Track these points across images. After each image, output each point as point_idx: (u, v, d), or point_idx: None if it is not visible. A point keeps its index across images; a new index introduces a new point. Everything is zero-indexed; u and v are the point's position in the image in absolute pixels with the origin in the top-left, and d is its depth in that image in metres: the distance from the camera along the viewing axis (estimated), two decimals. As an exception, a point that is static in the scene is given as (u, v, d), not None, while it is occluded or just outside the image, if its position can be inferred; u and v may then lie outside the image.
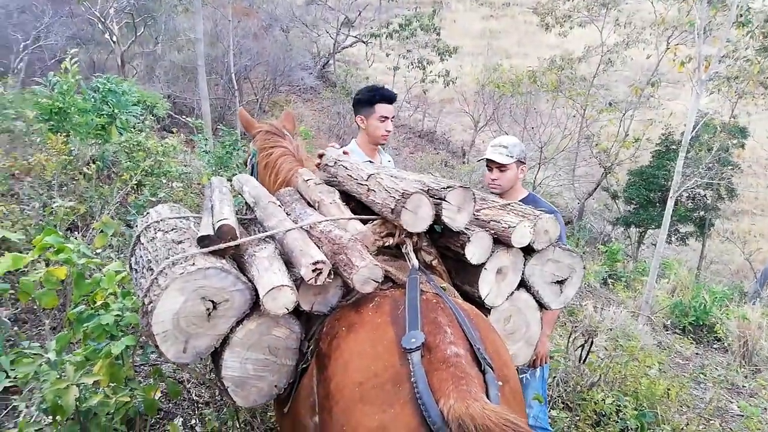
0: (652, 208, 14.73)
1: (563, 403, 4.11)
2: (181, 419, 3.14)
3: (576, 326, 5.00)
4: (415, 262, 1.80)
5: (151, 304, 1.40)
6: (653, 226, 14.69)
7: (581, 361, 4.04)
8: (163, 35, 18.64)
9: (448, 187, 1.82)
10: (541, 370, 3.02)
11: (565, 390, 4.19)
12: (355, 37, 21.85)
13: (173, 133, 9.19)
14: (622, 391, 4.10)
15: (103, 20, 15.77)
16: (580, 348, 4.06)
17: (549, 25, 16.70)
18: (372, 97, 3.21)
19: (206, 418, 3.06)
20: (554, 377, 4.16)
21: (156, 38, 18.86)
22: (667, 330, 8.54)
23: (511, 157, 2.87)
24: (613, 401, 3.86)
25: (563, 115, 16.35)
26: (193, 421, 3.17)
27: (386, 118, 3.18)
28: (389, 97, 3.20)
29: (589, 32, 16.63)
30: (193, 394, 3.39)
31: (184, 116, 14.62)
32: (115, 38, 16.19)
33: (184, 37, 18.70)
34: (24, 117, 6.82)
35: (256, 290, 1.52)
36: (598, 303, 8.31)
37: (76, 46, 7.40)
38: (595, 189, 16.52)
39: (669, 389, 4.26)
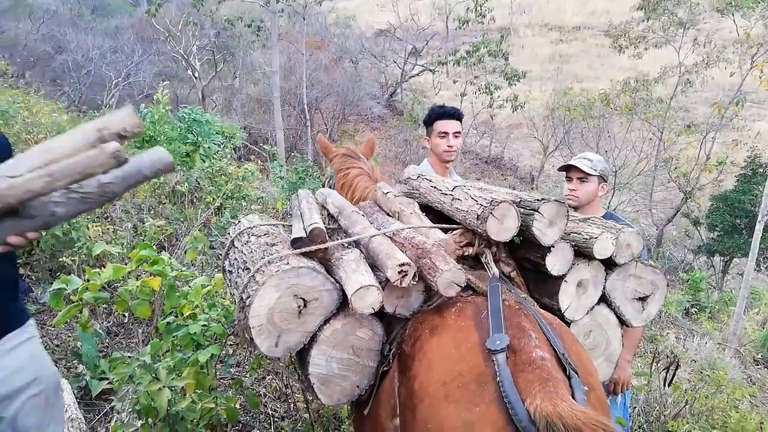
0: (737, 235, 13.84)
1: (644, 433, 3.91)
2: (257, 432, 3.23)
3: (656, 355, 4.76)
4: (496, 271, 1.81)
5: (249, 299, 1.51)
6: (739, 254, 13.80)
7: (667, 385, 3.83)
8: (240, 70, 19.71)
9: (542, 200, 1.84)
10: (622, 397, 2.91)
11: (647, 420, 3.98)
12: (422, 66, 22.21)
13: (251, 160, 9.64)
14: (709, 423, 3.85)
15: (186, 57, 16.91)
16: (665, 371, 3.85)
17: (622, 47, 16.30)
18: (430, 115, 3.32)
19: (283, 431, 3.13)
20: (635, 407, 3.97)
21: (234, 73, 19.98)
22: (758, 364, 7.99)
23: (594, 170, 2.83)
24: (700, 433, 3.64)
25: (638, 138, 15.80)
26: (268, 435, 3.24)
27: (446, 133, 3.22)
28: (448, 113, 3.26)
29: (665, 53, 16.09)
30: (269, 408, 3.47)
31: (259, 145, 15.31)
32: (196, 74, 17.31)
33: (260, 71, 19.69)
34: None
35: (342, 291, 1.60)
36: (680, 334, 7.88)
37: (161, 81, 7.95)
38: (675, 215, 15.70)
39: (762, 424, 3.97)
